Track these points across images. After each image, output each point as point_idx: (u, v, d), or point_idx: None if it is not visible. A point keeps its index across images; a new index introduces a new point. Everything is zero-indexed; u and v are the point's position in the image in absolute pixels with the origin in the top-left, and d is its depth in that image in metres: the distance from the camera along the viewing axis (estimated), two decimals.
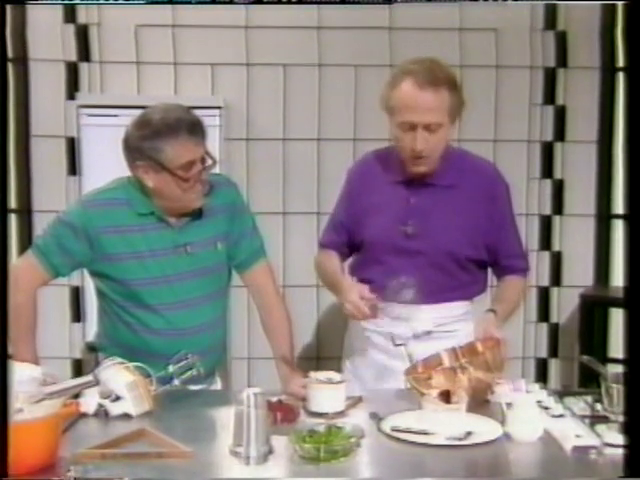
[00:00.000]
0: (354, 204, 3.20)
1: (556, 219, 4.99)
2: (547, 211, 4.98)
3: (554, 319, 5.07)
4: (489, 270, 3.24)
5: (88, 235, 2.90)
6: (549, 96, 4.90)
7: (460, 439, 2.40)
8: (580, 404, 2.71)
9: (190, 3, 4.90)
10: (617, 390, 2.50)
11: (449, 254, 3.08)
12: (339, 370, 3.03)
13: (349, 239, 3.22)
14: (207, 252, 3.00)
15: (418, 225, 3.06)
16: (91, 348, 3.24)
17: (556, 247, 5.01)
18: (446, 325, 3.12)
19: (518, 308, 3.30)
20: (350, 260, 3.28)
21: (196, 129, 2.83)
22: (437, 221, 3.07)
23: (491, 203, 3.12)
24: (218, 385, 3.21)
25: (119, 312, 3.00)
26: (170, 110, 2.87)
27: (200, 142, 2.85)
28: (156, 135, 2.80)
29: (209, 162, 2.90)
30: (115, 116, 4.38)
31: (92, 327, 3.41)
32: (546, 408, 2.64)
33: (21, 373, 2.55)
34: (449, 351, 2.87)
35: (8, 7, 4.53)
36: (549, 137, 4.93)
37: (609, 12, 4.74)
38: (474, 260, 3.13)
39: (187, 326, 2.96)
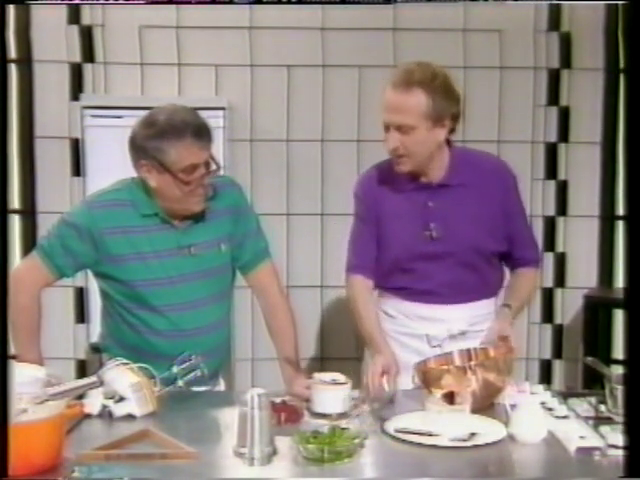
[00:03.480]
0: (374, 219, 3.16)
1: (560, 220, 4.99)
2: (551, 212, 4.98)
3: (558, 320, 5.07)
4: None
5: (92, 236, 2.90)
6: (553, 97, 4.90)
7: (464, 440, 2.40)
8: (584, 405, 2.70)
9: (190, 3, 4.91)
10: (621, 391, 2.50)
11: (475, 250, 3.09)
12: (343, 371, 3.02)
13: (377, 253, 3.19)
14: (211, 253, 3.00)
15: (441, 227, 3.06)
16: (95, 349, 3.25)
17: (560, 248, 5.01)
18: (478, 324, 3.12)
19: (530, 300, 3.38)
20: (375, 272, 3.21)
21: (202, 133, 2.83)
22: (458, 220, 3.07)
23: (504, 195, 3.13)
24: (222, 387, 3.22)
25: (123, 313, 3.00)
26: (177, 112, 2.87)
27: (205, 146, 2.85)
28: (161, 136, 2.81)
29: (213, 167, 2.89)
30: (119, 117, 4.39)
31: (96, 328, 3.43)
32: (550, 409, 2.64)
33: (25, 374, 2.55)
34: (462, 352, 2.90)
35: (12, 8, 4.60)
36: (553, 138, 4.93)
37: (613, 13, 4.75)
38: (497, 253, 3.17)
39: (191, 327, 2.97)
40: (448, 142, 3.09)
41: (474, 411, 2.54)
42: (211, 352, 2.97)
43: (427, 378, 2.72)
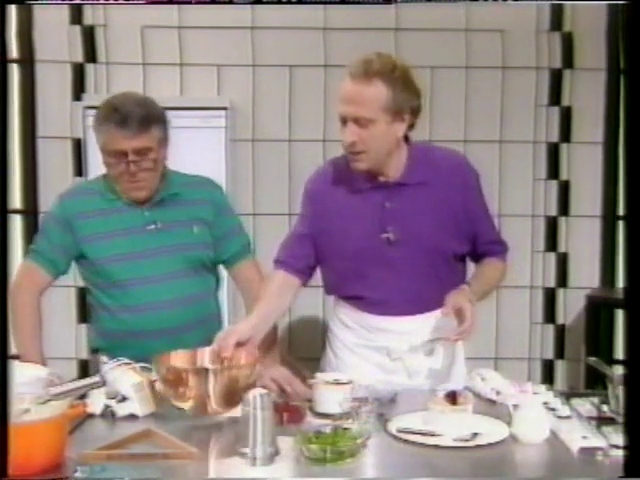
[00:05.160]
0: (320, 217, 3.00)
1: (562, 220, 5.00)
2: (553, 212, 4.99)
3: (560, 320, 5.08)
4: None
5: (68, 222, 3.05)
6: (555, 97, 4.91)
7: (467, 440, 2.40)
8: (586, 405, 2.70)
9: (190, 3, 4.92)
10: (623, 391, 2.50)
11: (437, 253, 2.92)
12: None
13: (314, 252, 3.02)
14: (180, 232, 3.09)
15: (399, 230, 2.89)
16: (94, 349, 3.28)
17: (562, 248, 5.02)
18: (442, 334, 2.92)
19: (495, 288, 3.20)
20: (329, 278, 3.08)
21: (127, 122, 2.89)
22: (418, 222, 2.90)
23: (465, 193, 2.94)
24: None
25: (98, 295, 3.11)
26: (118, 98, 3.00)
27: (133, 135, 2.90)
28: (95, 119, 2.98)
29: (151, 157, 2.96)
30: None
31: None
32: (552, 409, 2.63)
33: (28, 374, 2.57)
34: (212, 351, 2.71)
35: (15, 9, 4.60)
36: (555, 138, 4.94)
37: (615, 13, 4.76)
38: (459, 254, 3.00)
39: (158, 300, 3.05)
40: (406, 139, 2.93)
41: (215, 413, 2.51)
42: (191, 325, 3.06)
43: (167, 376, 2.52)
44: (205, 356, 2.69)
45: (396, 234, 2.89)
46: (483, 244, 3.03)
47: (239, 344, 2.71)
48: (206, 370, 2.51)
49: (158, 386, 2.56)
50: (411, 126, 2.88)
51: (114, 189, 3.05)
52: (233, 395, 2.46)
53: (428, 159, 2.95)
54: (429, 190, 2.90)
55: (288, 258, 3.03)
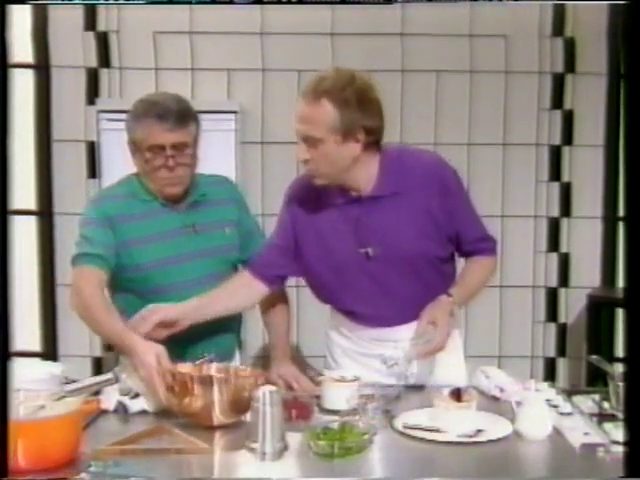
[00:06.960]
0: (296, 231, 2.95)
1: (564, 221, 5.03)
2: (555, 213, 5.02)
3: (562, 319, 5.11)
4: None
5: (110, 222, 2.94)
6: (557, 101, 4.94)
7: (471, 436, 2.42)
8: (588, 402, 2.72)
9: (190, 3, 4.94)
10: (624, 388, 2.54)
11: (420, 260, 2.85)
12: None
13: (286, 263, 2.99)
14: (215, 234, 3.05)
15: (377, 244, 2.81)
16: (109, 347, 3.28)
17: (564, 249, 5.05)
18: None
19: (483, 287, 3.07)
20: (317, 291, 3.06)
21: (167, 116, 2.86)
22: (395, 233, 2.82)
23: (443, 194, 2.82)
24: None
25: (130, 300, 2.96)
26: (157, 95, 3.03)
27: (170, 129, 2.87)
28: (133, 115, 2.93)
29: (188, 152, 2.93)
30: None
31: None
32: (555, 406, 2.64)
33: (42, 371, 2.61)
34: (220, 366, 2.73)
35: (31, 16, 4.64)
36: (557, 141, 4.98)
37: (616, 18, 4.78)
38: (444, 258, 2.92)
39: None
40: (378, 147, 2.82)
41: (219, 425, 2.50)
42: (224, 327, 3.04)
43: (173, 384, 2.54)
44: (211, 369, 2.70)
45: (374, 248, 2.82)
46: (469, 243, 2.94)
47: (162, 324, 2.75)
48: (211, 378, 2.54)
49: (164, 395, 2.55)
50: (375, 143, 2.79)
51: (148, 189, 2.99)
52: (239, 404, 2.48)
53: (401, 167, 2.84)
54: (405, 199, 2.81)
55: (256, 263, 3.02)
